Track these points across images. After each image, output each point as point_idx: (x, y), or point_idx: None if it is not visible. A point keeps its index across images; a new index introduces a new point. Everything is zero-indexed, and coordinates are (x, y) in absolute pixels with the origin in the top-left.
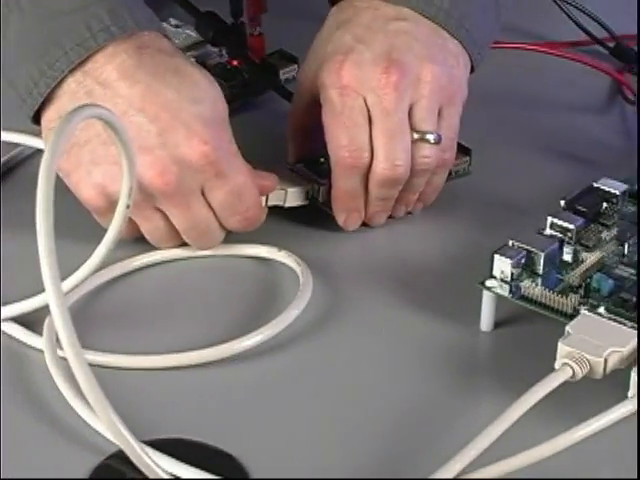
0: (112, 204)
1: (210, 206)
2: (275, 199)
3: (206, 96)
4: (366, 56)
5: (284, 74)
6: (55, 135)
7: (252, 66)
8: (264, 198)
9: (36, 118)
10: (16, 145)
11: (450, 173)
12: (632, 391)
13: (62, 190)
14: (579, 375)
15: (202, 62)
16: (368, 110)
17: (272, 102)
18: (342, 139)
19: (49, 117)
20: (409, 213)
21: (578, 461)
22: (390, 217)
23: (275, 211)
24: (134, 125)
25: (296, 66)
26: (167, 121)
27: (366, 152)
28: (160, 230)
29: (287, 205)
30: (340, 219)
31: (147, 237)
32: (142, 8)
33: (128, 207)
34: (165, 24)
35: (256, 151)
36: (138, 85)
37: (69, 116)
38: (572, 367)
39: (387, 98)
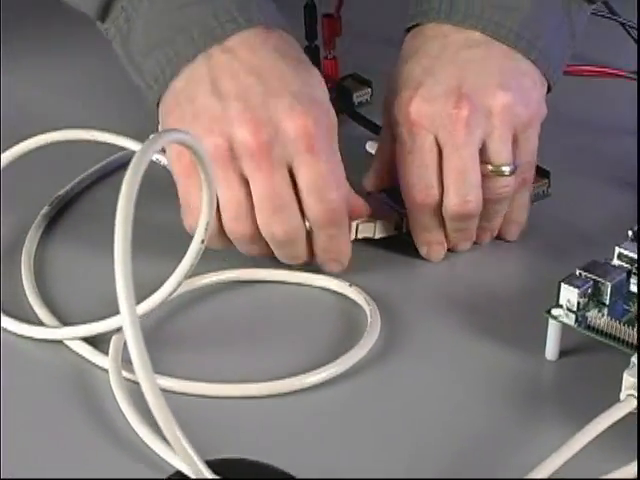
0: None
1: (294, 186)
2: (365, 231)
3: (319, 86)
4: (436, 90)
5: (357, 97)
6: (137, 158)
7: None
8: (354, 230)
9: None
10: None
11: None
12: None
13: (141, 208)
14: None
15: None
16: (439, 146)
17: (345, 125)
18: (411, 178)
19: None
20: (500, 239)
21: None
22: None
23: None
24: (243, 85)
25: (369, 90)
26: (276, 88)
27: (435, 190)
28: (236, 203)
29: (377, 237)
30: (422, 251)
31: (222, 214)
32: (268, 3)
33: (203, 242)
34: None
35: None
36: (259, 55)
37: (152, 140)
38: (637, 398)
39: (458, 134)
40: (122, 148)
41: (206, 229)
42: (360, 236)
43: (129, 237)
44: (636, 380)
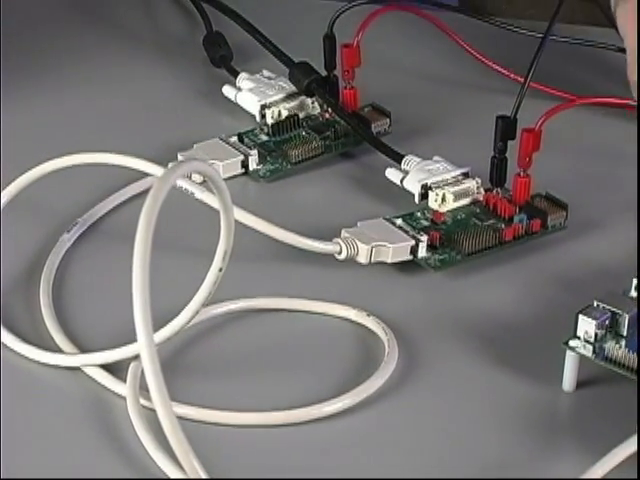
0: None
1: None
2: (379, 255)
3: None
4: None
5: (376, 127)
6: (156, 188)
7: (344, 119)
8: (368, 254)
9: None
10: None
11: (546, 227)
12: None
13: (160, 234)
14: None
15: (296, 114)
16: None
17: (366, 154)
18: None
19: None
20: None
21: None
22: None
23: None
24: None
25: (388, 120)
26: None
27: None
28: None
29: (390, 261)
30: None
31: None
32: None
33: (221, 270)
34: (258, 75)
35: (349, 204)
36: None
37: (170, 171)
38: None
39: None
40: (144, 173)
41: (224, 258)
42: (374, 260)
43: (147, 264)
44: None
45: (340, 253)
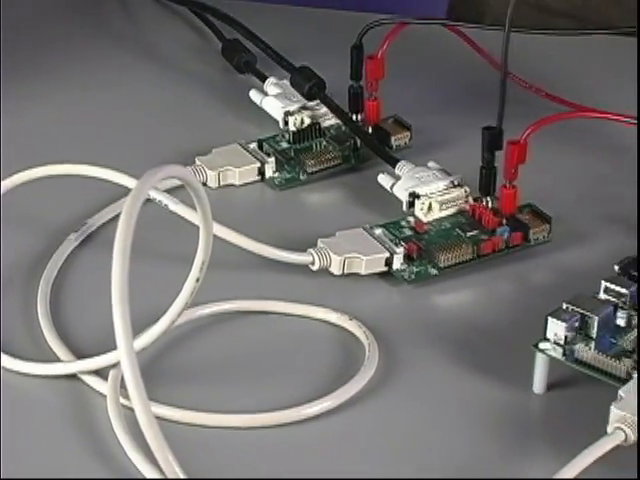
0: None
1: None
2: (352, 267)
3: None
4: None
5: (396, 140)
6: (133, 194)
7: (344, 121)
8: (341, 265)
9: None
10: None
11: (529, 241)
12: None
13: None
14: (632, 439)
15: (317, 122)
16: None
17: (381, 166)
18: None
19: None
20: None
21: None
22: None
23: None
24: None
25: (409, 133)
26: None
27: None
28: None
29: (364, 273)
30: None
31: None
32: None
33: (198, 280)
34: (286, 80)
35: (354, 216)
36: None
37: (147, 175)
38: (625, 431)
39: None
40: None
41: (201, 268)
42: (347, 271)
43: (126, 270)
44: (624, 413)
45: (313, 264)
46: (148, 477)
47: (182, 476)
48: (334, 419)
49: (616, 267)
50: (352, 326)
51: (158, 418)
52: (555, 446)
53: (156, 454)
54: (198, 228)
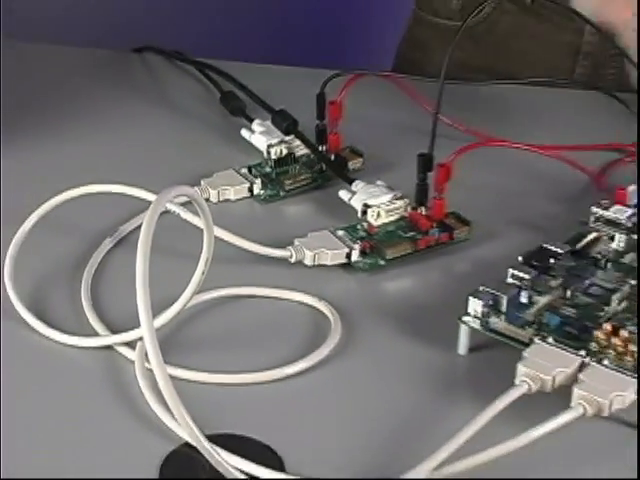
0: None
1: None
2: (321, 259)
3: None
4: None
5: (352, 165)
6: (152, 207)
7: (312, 150)
8: (313, 258)
9: None
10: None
11: (454, 239)
12: (574, 402)
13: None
14: (533, 389)
15: (292, 152)
16: None
17: (341, 184)
18: None
19: None
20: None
21: (533, 458)
22: None
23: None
24: None
25: (362, 159)
26: None
27: None
28: None
29: (330, 264)
30: None
31: None
32: None
33: (203, 273)
34: (268, 121)
35: (322, 222)
36: None
37: (163, 193)
38: (528, 383)
39: None
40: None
41: (206, 264)
42: (317, 263)
43: (147, 265)
44: (528, 369)
45: (291, 257)
46: (166, 423)
47: (191, 423)
48: (309, 376)
49: (520, 258)
50: (321, 306)
51: (174, 378)
52: (475, 396)
53: (170, 405)
54: (202, 232)
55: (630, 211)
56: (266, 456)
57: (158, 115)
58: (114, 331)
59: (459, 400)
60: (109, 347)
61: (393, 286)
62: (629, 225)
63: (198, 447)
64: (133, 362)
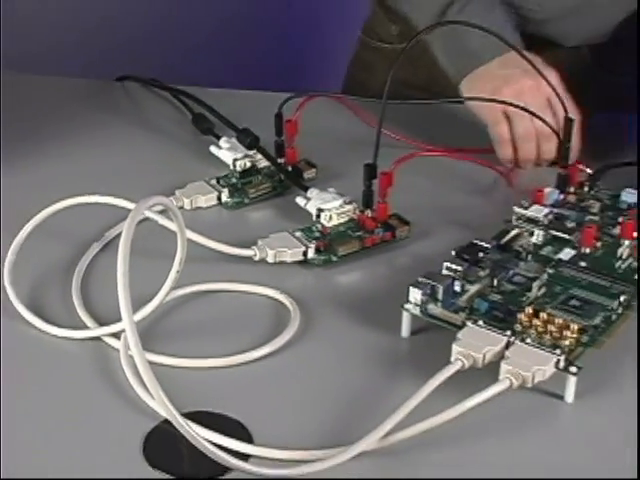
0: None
1: None
2: (281, 257)
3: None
4: None
5: (307, 175)
6: (131, 215)
7: (272, 163)
8: (274, 256)
9: None
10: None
11: (396, 237)
12: (502, 376)
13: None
14: (467, 366)
15: (255, 165)
16: None
17: (297, 192)
18: None
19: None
20: None
21: (467, 425)
22: None
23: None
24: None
25: (315, 170)
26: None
27: None
28: None
29: (289, 261)
30: None
31: None
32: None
33: (178, 272)
34: (233, 139)
35: (282, 224)
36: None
37: (141, 202)
38: (462, 361)
39: None
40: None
41: (180, 263)
42: (278, 260)
43: (127, 267)
44: (461, 349)
45: (255, 256)
46: (147, 403)
47: (167, 401)
48: (273, 359)
49: (453, 252)
50: (282, 297)
51: (154, 363)
52: (417, 372)
53: (149, 386)
54: (177, 236)
55: (546, 210)
56: (236, 430)
57: (138, 135)
58: (102, 324)
59: (403, 377)
60: (97, 338)
61: (344, 279)
62: (546, 222)
63: (173, 422)
64: (118, 350)
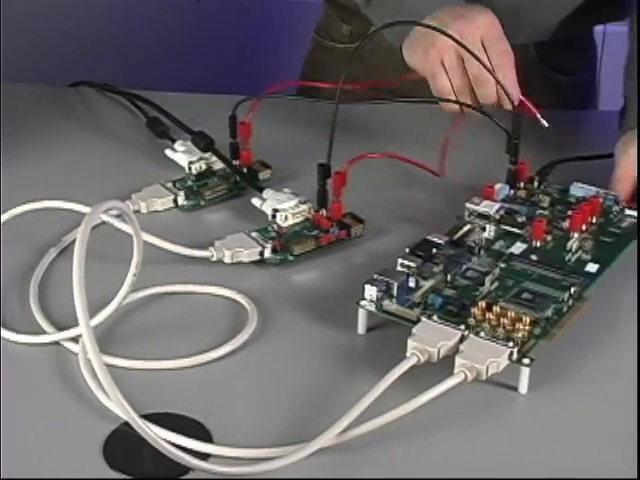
0: None
1: None
2: (238, 257)
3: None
4: None
5: (262, 176)
6: (85, 222)
7: (227, 165)
8: (231, 256)
9: None
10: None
11: (351, 236)
12: (457, 369)
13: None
14: (422, 361)
15: (210, 167)
16: None
17: (253, 193)
18: None
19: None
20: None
21: (423, 419)
22: None
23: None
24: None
25: (270, 171)
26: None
27: None
28: None
29: (246, 261)
30: None
31: None
32: None
33: (135, 275)
34: (188, 142)
35: (238, 225)
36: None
37: (95, 207)
38: (417, 355)
39: None
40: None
41: (137, 267)
42: (235, 260)
43: (82, 271)
44: (417, 344)
45: (212, 257)
46: (107, 406)
47: (125, 403)
48: (231, 359)
49: (407, 249)
50: (239, 297)
51: (113, 366)
52: (373, 367)
53: (107, 389)
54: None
55: (497, 205)
56: (196, 430)
57: (93, 140)
58: (60, 329)
59: (360, 373)
60: (56, 343)
61: (301, 278)
62: (497, 217)
63: (132, 424)
64: (77, 354)
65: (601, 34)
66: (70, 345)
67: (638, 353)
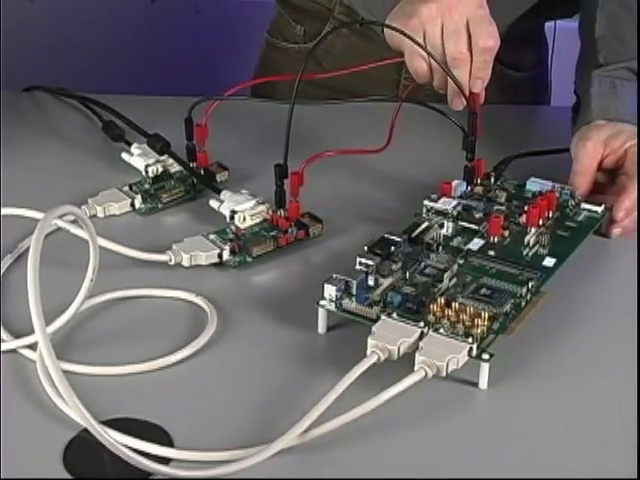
0: None
1: None
2: (196, 260)
3: None
4: None
5: (219, 177)
6: (38, 229)
7: (185, 168)
8: (189, 259)
9: None
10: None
11: (310, 235)
12: (417, 366)
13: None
14: (382, 359)
15: (167, 170)
16: None
17: (210, 195)
18: None
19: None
20: None
21: (385, 417)
22: None
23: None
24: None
25: (227, 172)
26: None
27: None
28: None
29: (205, 263)
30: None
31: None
32: None
33: (92, 280)
34: (144, 145)
35: (196, 228)
36: None
37: (47, 215)
38: (377, 354)
39: None
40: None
41: (93, 272)
42: (193, 263)
43: (37, 278)
44: (376, 342)
45: (170, 261)
46: (66, 412)
47: (83, 410)
48: (191, 362)
49: (365, 248)
50: (198, 300)
51: (71, 372)
52: (334, 367)
53: (64, 396)
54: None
55: (454, 202)
56: (157, 435)
57: (48, 145)
58: (18, 336)
59: (321, 373)
60: (14, 350)
61: (260, 279)
62: (454, 214)
63: (91, 430)
64: (35, 362)
65: (552, 30)
66: (27, 352)
67: (638, 353)
